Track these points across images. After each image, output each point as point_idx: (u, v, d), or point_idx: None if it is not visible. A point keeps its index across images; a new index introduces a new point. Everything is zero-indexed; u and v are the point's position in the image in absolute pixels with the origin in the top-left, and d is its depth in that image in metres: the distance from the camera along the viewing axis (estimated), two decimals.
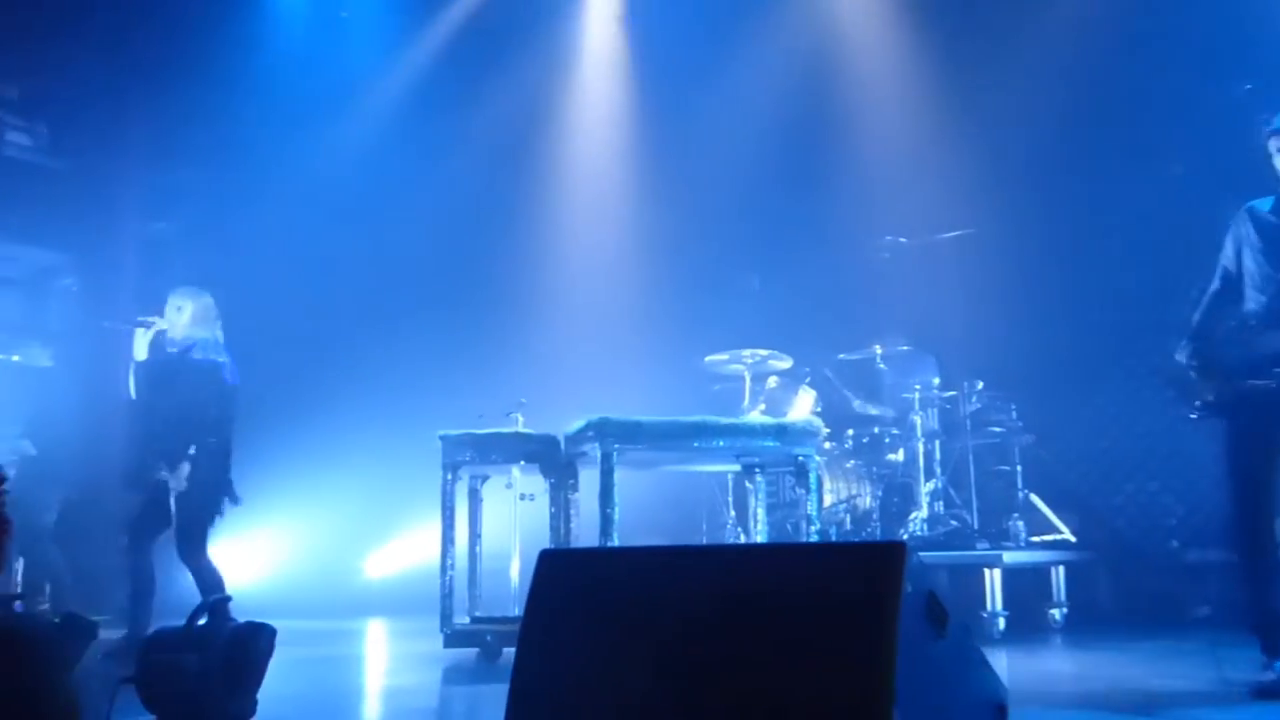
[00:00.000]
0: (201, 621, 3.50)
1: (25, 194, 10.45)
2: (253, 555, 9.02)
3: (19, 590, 6.94)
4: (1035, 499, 7.33)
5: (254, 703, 3.48)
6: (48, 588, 7.16)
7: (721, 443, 5.37)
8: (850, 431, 7.61)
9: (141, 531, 5.66)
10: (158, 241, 10.56)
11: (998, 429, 7.47)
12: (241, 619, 3.64)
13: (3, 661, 1.09)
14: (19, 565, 7.16)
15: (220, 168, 9.93)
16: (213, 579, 5.55)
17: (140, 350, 5.80)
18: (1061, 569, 6.85)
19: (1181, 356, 4.31)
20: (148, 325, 5.83)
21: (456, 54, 9.96)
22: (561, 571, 2.40)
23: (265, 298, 9.53)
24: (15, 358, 8.01)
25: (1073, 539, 7.17)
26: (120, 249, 10.42)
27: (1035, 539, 7.02)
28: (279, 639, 3.57)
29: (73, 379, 8.01)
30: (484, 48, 9.81)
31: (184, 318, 5.84)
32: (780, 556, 2.59)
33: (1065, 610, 6.79)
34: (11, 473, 6.91)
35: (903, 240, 7.36)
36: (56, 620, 4.13)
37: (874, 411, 7.53)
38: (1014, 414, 7.47)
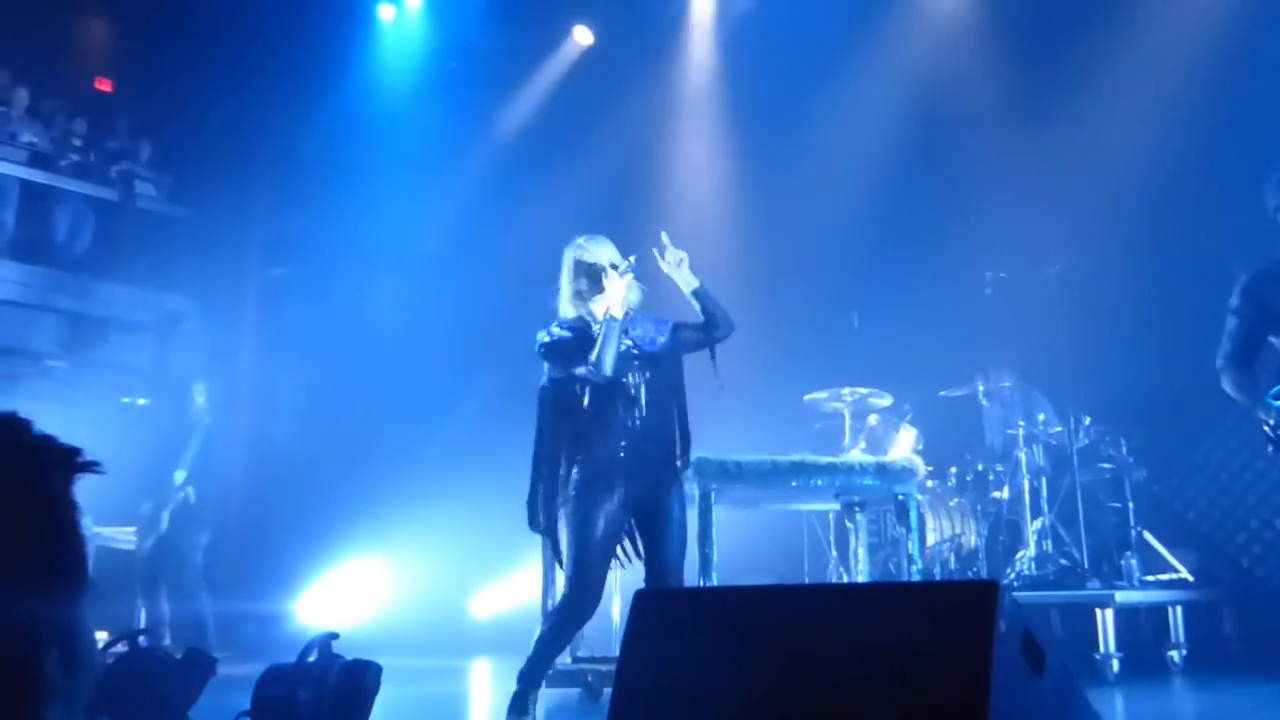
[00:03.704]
0: (311, 659, 3.63)
1: (153, 241, 11.00)
2: (360, 594, 9.24)
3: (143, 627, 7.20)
4: (1149, 536, 7.10)
5: None
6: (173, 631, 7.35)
7: (820, 481, 5.35)
8: (953, 469, 7.50)
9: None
10: (276, 286, 10.98)
11: (1108, 465, 7.26)
12: (349, 657, 3.75)
13: None
14: (140, 605, 7.42)
15: (335, 215, 10.29)
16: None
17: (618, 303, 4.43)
18: (1179, 609, 6.59)
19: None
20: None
21: (561, 100, 10.20)
22: (656, 612, 2.43)
23: (376, 339, 9.85)
24: (141, 401, 8.31)
25: (1190, 578, 6.93)
26: (241, 294, 10.87)
27: (1150, 578, 6.80)
28: (385, 676, 3.68)
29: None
30: (587, 94, 10.02)
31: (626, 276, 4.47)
32: (873, 596, 2.59)
33: (1184, 652, 6.53)
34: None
35: (1004, 275, 7.24)
36: (178, 656, 4.31)
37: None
38: (1124, 449, 7.26)
